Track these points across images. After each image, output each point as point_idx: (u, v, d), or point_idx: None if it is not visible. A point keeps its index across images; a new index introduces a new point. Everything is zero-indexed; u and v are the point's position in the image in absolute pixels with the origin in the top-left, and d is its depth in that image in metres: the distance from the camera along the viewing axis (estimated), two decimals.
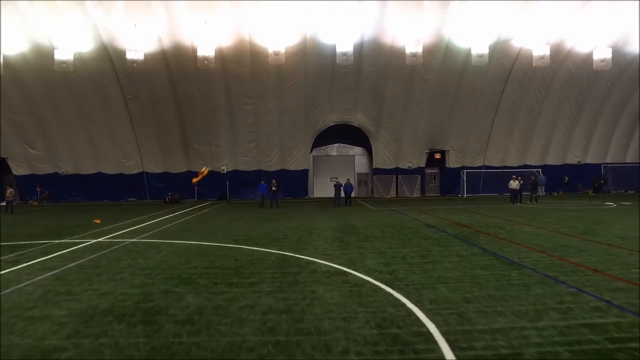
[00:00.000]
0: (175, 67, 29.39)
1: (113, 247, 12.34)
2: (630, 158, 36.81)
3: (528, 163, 35.44)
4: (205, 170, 27.62)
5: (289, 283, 8.19)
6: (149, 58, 27.73)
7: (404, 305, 6.85)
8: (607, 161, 36.55)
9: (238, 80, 30.11)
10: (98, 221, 19.14)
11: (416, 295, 7.33)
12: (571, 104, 33.61)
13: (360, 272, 8.94)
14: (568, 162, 36.09)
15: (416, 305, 6.78)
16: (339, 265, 9.67)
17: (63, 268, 9.58)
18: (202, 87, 30.48)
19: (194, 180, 27.68)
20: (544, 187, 33.88)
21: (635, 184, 35.40)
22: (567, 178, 35.05)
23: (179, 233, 15.37)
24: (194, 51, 27.35)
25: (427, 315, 6.34)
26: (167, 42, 27.96)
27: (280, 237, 14.07)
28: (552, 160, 35.76)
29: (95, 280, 8.53)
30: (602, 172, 36.12)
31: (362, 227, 16.33)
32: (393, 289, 7.71)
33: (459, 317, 6.29)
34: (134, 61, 26.30)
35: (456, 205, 26.64)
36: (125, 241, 13.50)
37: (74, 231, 16.00)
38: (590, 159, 36.34)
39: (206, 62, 26.52)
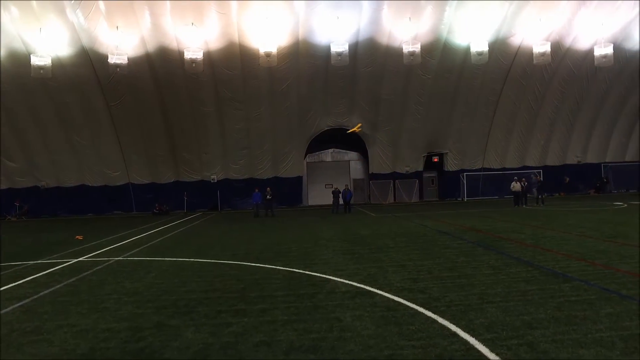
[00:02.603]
0: (161, 72, 27.97)
1: (96, 268, 10.87)
2: (629, 157, 36.16)
3: (528, 164, 34.59)
4: None
5: (307, 309, 6.84)
6: (132, 62, 26.28)
7: (455, 334, 5.55)
8: (607, 160, 35.82)
9: (228, 84, 28.78)
10: (80, 237, 17.57)
11: (465, 320, 6.03)
12: (570, 102, 32.84)
13: (387, 292, 7.62)
14: (568, 162, 35.28)
15: (471, 335, 5.48)
16: (359, 283, 8.35)
17: (35, 297, 8.10)
18: (190, 92, 29.08)
19: None
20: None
21: (636, 183, 34.64)
22: (567, 178, 34.18)
23: (171, 249, 13.92)
24: (181, 54, 25.95)
25: (491, 348, 5.05)
26: (152, 45, 26.56)
27: (284, 250, 12.71)
28: (552, 160, 34.95)
29: (73, 312, 7.09)
30: (603, 172, 35.33)
31: (370, 236, 15.04)
32: (434, 312, 6.41)
33: (530, 348, 5.01)
34: (117, 66, 24.84)
35: (459, 209, 25.51)
36: (110, 260, 12.03)
37: (53, 249, 14.45)
38: (590, 158, 35.62)
39: (194, 65, 25.15)
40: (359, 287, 8.01)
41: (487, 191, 34.11)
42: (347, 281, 8.53)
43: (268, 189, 24.81)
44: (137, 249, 13.96)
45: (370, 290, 7.77)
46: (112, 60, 24.70)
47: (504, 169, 34.17)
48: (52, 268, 11.06)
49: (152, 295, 7.97)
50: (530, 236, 13.47)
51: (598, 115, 33.94)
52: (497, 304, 6.70)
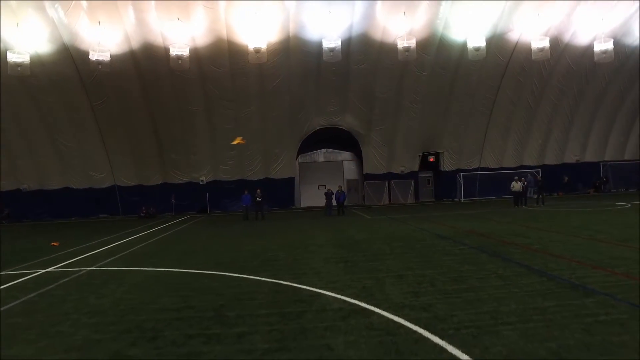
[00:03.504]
0: (146, 70, 26.86)
1: (63, 280, 9.83)
2: (628, 155, 35.45)
3: (525, 163, 33.80)
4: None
5: (292, 332, 5.85)
6: (116, 59, 25.17)
7: None
8: (606, 159, 35.10)
9: (216, 82, 27.73)
10: (56, 244, 16.48)
11: (478, 347, 5.07)
12: (569, 100, 32.09)
13: (385, 309, 6.65)
14: (566, 161, 34.52)
15: None
16: (353, 298, 7.37)
17: None
18: (177, 91, 28.00)
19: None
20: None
21: (635, 182, 33.94)
22: (566, 178, 33.41)
23: (150, 256, 12.87)
24: (167, 51, 24.83)
25: None
26: (136, 42, 25.47)
27: (271, 257, 11.71)
28: (550, 159, 34.18)
29: (20, 338, 6.05)
30: (602, 171, 34.60)
31: (365, 241, 14.07)
32: (441, 337, 5.43)
33: None
34: (99, 62, 23.72)
35: (457, 210, 24.61)
36: (81, 270, 10.98)
37: (24, 258, 13.36)
38: (589, 157, 34.90)
39: (180, 62, 24.09)
40: (353, 304, 7.03)
41: (484, 191, 33.27)
42: (339, 296, 7.54)
43: (258, 190, 23.77)
44: (115, 257, 12.91)
45: (365, 308, 6.80)
46: (93, 56, 23.59)
47: (502, 168, 33.35)
48: (15, 280, 10.01)
49: (116, 315, 6.95)
50: (537, 240, 12.55)
51: (596, 112, 33.21)
52: (514, 325, 5.74)
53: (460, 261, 10.01)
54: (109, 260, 12.44)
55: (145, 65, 26.58)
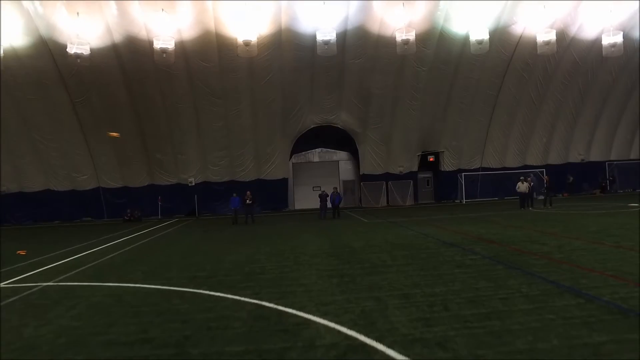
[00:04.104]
0: (130, 65, 25.38)
1: (9, 300, 8.35)
2: (634, 154, 34.21)
3: (528, 163, 32.48)
4: None
5: None
6: (97, 53, 23.69)
7: None
8: (612, 158, 33.82)
9: (204, 77, 26.26)
10: (23, 252, 14.95)
11: None
12: (574, 97, 30.80)
13: (390, 346, 5.21)
14: (570, 160, 33.22)
15: None
16: (349, 327, 5.93)
17: None
18: (162, 88, 26.52)
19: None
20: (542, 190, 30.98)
21: None
22: (571, 178, 32.10)
23: (120, 268, 11.38)
24: (151, 45, 23.30)
25: None
26: (118, 35, 23.99)
27: (257, 269, 10.25)
28: (554, 159, 32.88)
29: None
30: (608, 170, 33.33)
31: (362, 248, 12.63)
32: None
33: None
34: (77, 56, 22.20)
35: (459, 213, 23.22)
36: (35, 286, 9.48)
37: None
38: (594, 156, 33.61)
39: (164, 55, 22.58)
40: (350, 337, 5.58)
41: (485, 192, 31.94)
42: (333, 324, 6.09)
43: (248, 192, 22.28)
44: (81, 269, 11.42)
45: (366, 343, 5.36)
46: (71, 50, 22.06)
47: (504, 168, 32.05)
48: None
49: (49, 353, 5.47)
50: (556, 248, 11.14)
51: (602, 110, 31.94)
52: None
53: (474, 275, 8.58)
54: (73, 272, 10.95)
55: (129, 60, 25.09)
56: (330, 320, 6.26)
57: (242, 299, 7.69)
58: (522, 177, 23.73)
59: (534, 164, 32.39)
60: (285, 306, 7.08)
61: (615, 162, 33.57)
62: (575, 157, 33.19)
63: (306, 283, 8.66)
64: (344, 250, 12.55)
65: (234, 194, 22.60)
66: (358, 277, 8.99)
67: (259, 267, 10.49)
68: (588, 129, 32.56)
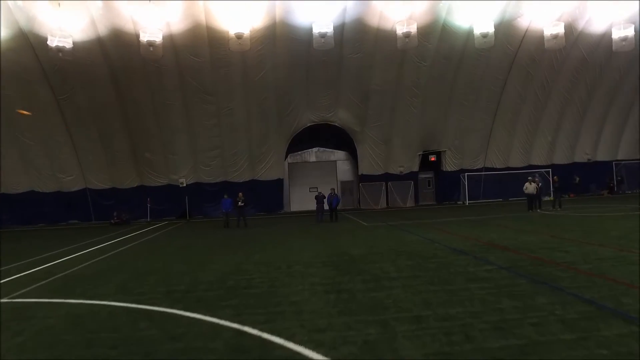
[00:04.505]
0: (116, 60, 24.13)
1: None
2: None
3: (533, 163, 31.35)
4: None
5: None
6: (81, 47, 22.48)
7: None
8: (619, 158, 32.67)
9: (195, 73, 25.02)
10: None
11: None
12: (581, 94, 29.67)
13: None
14: (577, 160, 32.07)
15: None
16: None
17: None
18: (151, 84, 25.27)
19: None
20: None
21: None
22: (578, 178, 30.90)
23: (91, 280, 10.10)
24: (138, 38, 22.08)
25: None
26: (103, 27, 22.71)
27: (242, 282, 9.00)
28: (560, 158, 31.76)
29: None
30: (615, 170, 32.17)
31: (363, 256, 11.38)
32: None
33: None
34: (59, 50, 20.93)
35: (463, 215, 22.00)
36: None
37: None
38: (600, 156, 32.46)
39: (152, 49, 21.32)
40: None
41: (489, 193, 30.74)
42: None
43: (240, 194, 21.00)
44: (46, 281, 10.15)
45: None
46: (52, 43, 20.78)
47: (508, 168, 30.88)
48: None
49: None
50: (581, 257, 9.91)
51: (610, 108, 30.78)
52: None
53: (494, 292, 7.34)
54: (37, 285, 9.68)
55: (115, 54, 23.83)
56: (325, 355, 5.02)
57: (221, 322, 6.44)
58: (529, 178, 22.53)
59: (539, 164, 31.26)
60: (271, 333, 5.84)
61: (622, 162, 32.43)
62: (581, 156, 32.07)
63: (298, 301, 7.41)
64: (342, 258, 11.30)
65: (225, 196, 21.32)
66: (359, 292, 7.74)
67: (246, 280, 9.24)
68: (595, 128, 31.43)
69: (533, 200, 21.99)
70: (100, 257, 13.40)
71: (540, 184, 22.58)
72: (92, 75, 24.43)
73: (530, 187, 21.76)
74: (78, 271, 11.30)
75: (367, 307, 6.81)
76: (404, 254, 11.50)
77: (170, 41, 23.09)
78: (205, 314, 6.85)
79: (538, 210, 21.86)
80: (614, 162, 32.40)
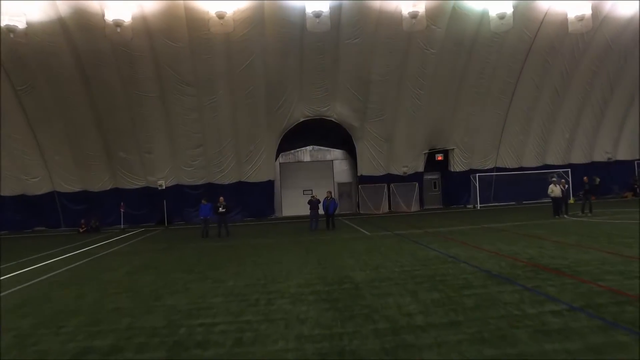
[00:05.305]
0: (82, 45, 21.25)
1: None
2: None
3: (549, 162, 28.67)
4: None
5: None
6: (39, 30, 19.56)
7: None
8: None
9: (172, 60, 22.19)
10: None
11: None
12: (602, 86, 26.98)
13: None
14: (596, 159, 29.35)
15: None
16: None
17: None
18: (123, 72, 22.31)
19: None
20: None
21: None
22: (598, 179, 28.11)
23: None
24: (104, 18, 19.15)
25: None
26: (65, 7, 19.74)
27: (197, 334, 6.09)
28: (578, 158, 29.06)
29: None
30: (638, 171, 29.46)
31: (369, 283, 8.52)
32: None
33: None
34: (10, 30, 17.98)
35: (479, 221, 19.15)
36: None
37: None
38: (621, 155, 29.73)
39: (119, 30, 18.39)
40: None
41: (500, 196, 27.96)
42: None
43: (221, 198, 18.04)
44: None
45: None
46: (2, 22, 17.79)
47: (521, 168, 28.14)
48: None
49: None
50: None
51: (633, 101, 28.02)
52: None
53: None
54: None
55: (80, 39, 20.92)
56: None
57: None
58: (554, 179, 19.73)
59: (555, 164, 28.61)
60: None
61: None
62: (601, 155, 29.37)
63: None
64: (341, 286, 8.41)
65: (204, 201, 18.33)
66: (372, 354, 4.84)
67: (204, 328, 6.32)
68: (616, 124, 28.72)
69: (560, 205, 19.19)
70: (27, 283, 10.41)
71: (566, 186, 19.78)
72: (56, 63, 21.52)
73: (556, 190, 18.94)
74: None
75: None
76: (425, 280, 8.61)
77: (143, 23, 20.22)
78: None
79: (565, 216, 19.09)
80: (636, 162, 29.68)
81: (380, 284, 8.47)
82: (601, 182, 28.31)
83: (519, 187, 27.61)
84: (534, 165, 28.34)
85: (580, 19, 20.69)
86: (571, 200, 22.98)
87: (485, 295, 7.30)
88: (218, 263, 11.86)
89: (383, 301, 7.24)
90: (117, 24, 18.34)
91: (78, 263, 12.99)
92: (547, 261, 9.78)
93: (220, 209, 17.71)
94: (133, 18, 19.23)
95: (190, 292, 8.59)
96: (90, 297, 8.62)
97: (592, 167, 28.78)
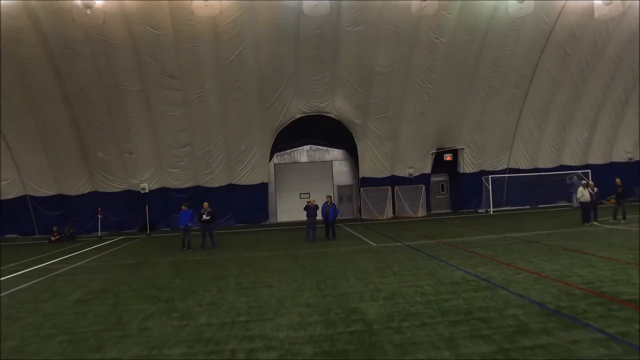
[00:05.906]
0: (51, 32, 18.97)
1: None
2: None
3: (565, 163, 26.63)
4: None
5: None
6: (3, 14, 17.24)
7: None
8: None
9: (154, 50, 19.94)
10: None
11: None
12: (625, 80, 24.88)
13: None
14: (615, 160, 27.27)
15: None
16: None
17: None
18: (99, 64, 20.06)
19: None
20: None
21: None
22: (619, 180, 25.92)
23: None
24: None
25: None
26: None
27: None
28: (596, 158, 26.96)
29: None
30: None
31: (386, 324, 6.35)
32: None
33: None
34: None
35: (499, 229, 16.97)
36: None
37: None
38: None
39: (89, 12, 16.19)
40: None
41: (512, 199, 25.82)
42: None
43: (205, 204, 15.78)
44: None
45: None
46: None
47: (535, 169, 26.03)
48: None
49: None
50: None
51: None
52: None
53: None
54: None
55: (49, 25, 18.66)
56: None
57: None
58: (583, 182, 17.61)
59: (571, 164, 26.52)
60: None
61: None
62: (621, 155, 27.24)
63: None
64: (349, 328, 6.23)
65: (184, 207, 16.06)
66: None
67: None
68: (638, 122, 26.57)
69: (589, 210, 17.05)
70: None
71: (595, 189, 17.63)
72: (23, 53, 19.28)
73: (586, 194, 16.82)
74: None
75: None
76: (460, 318, 6.42)
77: (120, 7, 17.99)
78: None
79: (594, 223, 16.96)
80: None
81: (401, 324, 6.28)
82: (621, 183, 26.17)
83: (533, 189, 25.56)
84: (549, 166, 26.23)
85: (608, 3, 18.58)
86: (610, 201, 20.83)
87: (555, 349, 5.13)
88: (194, 286, 9.64)
89: (407, 349, 5.06)
90: (87, 6, 16.14)
91: (23, 285, 10.73)
92: (611, 288, 7.62)
93: (204, 216, 15.46)
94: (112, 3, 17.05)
95: (144, 336, 6.38)
96: (9, 343, 6.40)
97: (610, 168, 26.64)
